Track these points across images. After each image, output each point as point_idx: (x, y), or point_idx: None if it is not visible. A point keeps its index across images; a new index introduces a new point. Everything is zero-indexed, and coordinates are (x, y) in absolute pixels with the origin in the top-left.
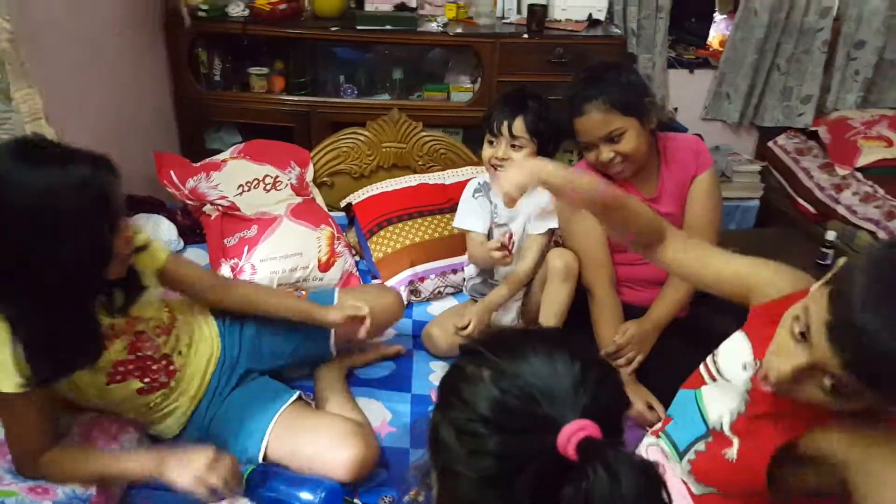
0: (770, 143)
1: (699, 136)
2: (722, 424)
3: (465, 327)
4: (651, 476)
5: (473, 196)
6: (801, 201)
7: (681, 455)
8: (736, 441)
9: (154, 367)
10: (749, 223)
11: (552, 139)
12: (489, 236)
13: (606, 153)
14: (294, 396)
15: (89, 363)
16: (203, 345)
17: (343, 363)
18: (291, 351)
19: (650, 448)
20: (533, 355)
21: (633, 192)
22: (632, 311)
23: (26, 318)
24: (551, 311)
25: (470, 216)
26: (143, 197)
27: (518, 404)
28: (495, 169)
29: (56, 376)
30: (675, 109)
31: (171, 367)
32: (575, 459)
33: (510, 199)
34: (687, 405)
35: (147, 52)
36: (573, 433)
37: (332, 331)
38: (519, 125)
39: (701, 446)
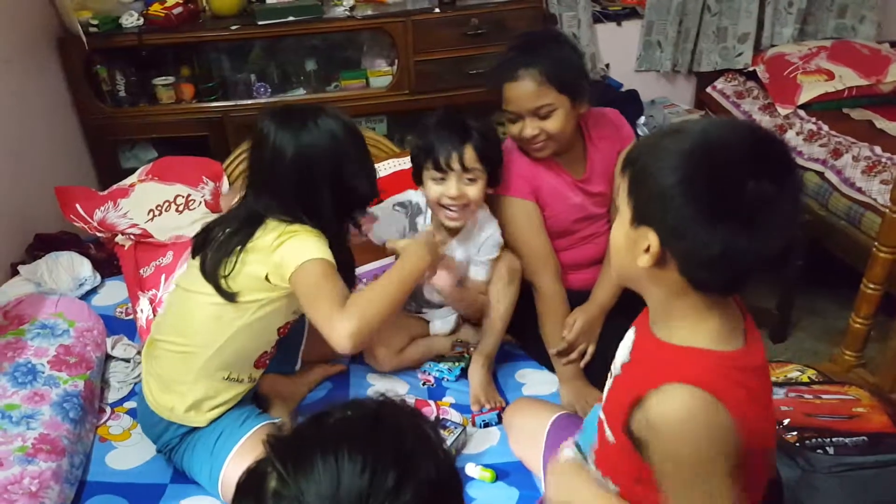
0: (708, 89)
1: (634, 91)
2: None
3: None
4: None
5: (394, 208)
6: None
7: (587, 458)
8: (605, 419)
9: (274, 349)
10: None
11: (497, 172)
12: None
13: (531, 128)
14: (263, 422)
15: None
16: None
17: (295, 397)
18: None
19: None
20: (321, 465)
21: (563, 175)
22: (577, 296)
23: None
24: (497, 315)
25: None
26: (54, 234)
27: None
28: (446, 209)
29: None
30: (608, 66)
31: (267, 362)
32: None
33: None
34: (594, 411)
35: (40, 78)
36: None
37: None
38: (470, 155)
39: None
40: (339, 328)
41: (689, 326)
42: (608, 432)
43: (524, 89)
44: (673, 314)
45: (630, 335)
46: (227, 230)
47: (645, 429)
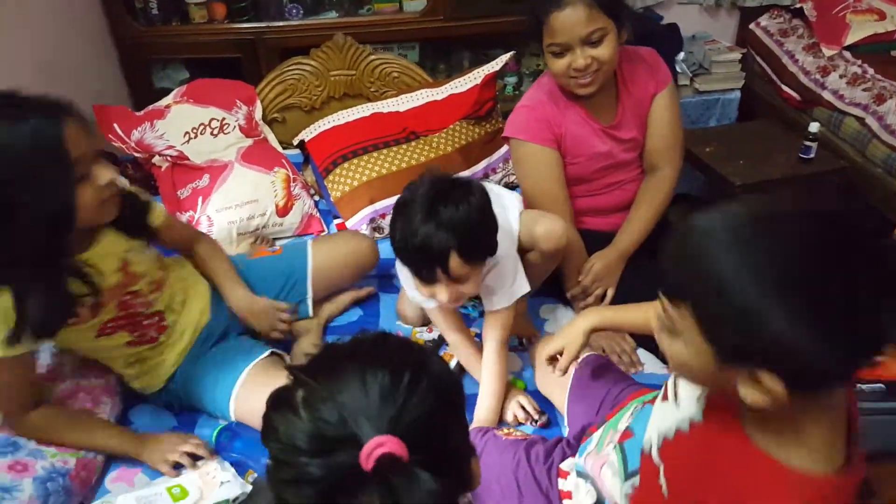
0: (752, 26)
1: (674, 24)
2: (651, 447)
3: None
4: None
5: None
6: (785, 88)
7: (627, 476)
8: (662, 468)
9: (145, 322)
10: (730, 116)
11: (494, 243)
12: None
13: (583, 58)
14: (266, 353)
15: (57, 330)
16: (196, 302)
17: (321, 318)
18: None
19: (605, 468)
20: (345, 372)
21: (590, 122)
22: (598, 238)
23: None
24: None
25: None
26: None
27: (327, 428)
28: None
29: (40, 336)
30: None
31: (163, 323)
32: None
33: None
34: (640, 417)
35: None
36: (371, 451)
37: (310, 292)
38: (456, 263)
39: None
40: (18, 431)
41: (788, 437)
42: (664, 486)
43: (574, 16)
44: (769, 419)
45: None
46: None
47: None
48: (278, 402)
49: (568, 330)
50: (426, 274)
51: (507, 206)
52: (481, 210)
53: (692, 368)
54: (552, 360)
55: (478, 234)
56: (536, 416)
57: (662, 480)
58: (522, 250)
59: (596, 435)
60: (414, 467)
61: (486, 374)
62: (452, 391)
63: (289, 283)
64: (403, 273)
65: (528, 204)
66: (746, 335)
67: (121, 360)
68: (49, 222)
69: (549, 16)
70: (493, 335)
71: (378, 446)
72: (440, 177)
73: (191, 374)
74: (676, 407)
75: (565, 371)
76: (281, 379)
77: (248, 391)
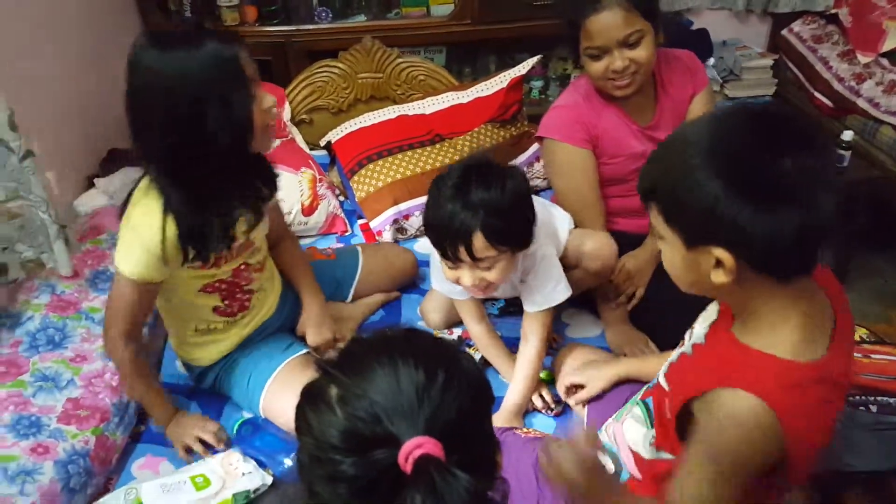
0: (784, 32)
1: (704, 30)
2: (659, 376)
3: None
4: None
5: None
6: (817, 95)
7: (654, 425)
8: (667, 388)
9: (238, 295)
10: None
11: (527, 234)
12: None
13: (621, 60)
14: (302, 351)
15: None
16: (271, 295)
17: (357, 318)
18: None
19: (628, 419)
20: (379, 368)
21: (627, 122)
22: (631, 240)
23: (179, 194)
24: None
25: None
26: (128, 150)
27: (363, 427)
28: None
29: (199, 252)
30: None
31: (247, 304)
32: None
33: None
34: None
35: None
36: (409, 451)
37: (358, 278)
38: (481, 244)
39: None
40: (107, 344)
41: (769, 329)
42: (668, 410)
43: (611, 19)
44: (754, 314)
45: (712, 314)
46: None
47: (703, 412)
48: (312, 396)
49: (595, 373)
50: (451, 253)
51: (556, 216)
52: (516, 195)
53: (675, 264)
54: (571, 388)
55: (508, 218)
56: (553, 405)
57: (667, 406)
58: (567, 267)
59: (614, 414)
60: (452, 467)
61: (522, 362)
62: (482, 387)
63: (337, 286)
64: (434, 262)
65: (560, 204)
66: (693, 211)
67: (194, 324)
68: (234, 133)
69: (587, 19)
70: (535, 333)
71: (417, 447)
72: (481, 158)
73: (233, 362)
74: (689, 342)
75: (580, 403)
76: (308, 378)
77: (278, 388)
